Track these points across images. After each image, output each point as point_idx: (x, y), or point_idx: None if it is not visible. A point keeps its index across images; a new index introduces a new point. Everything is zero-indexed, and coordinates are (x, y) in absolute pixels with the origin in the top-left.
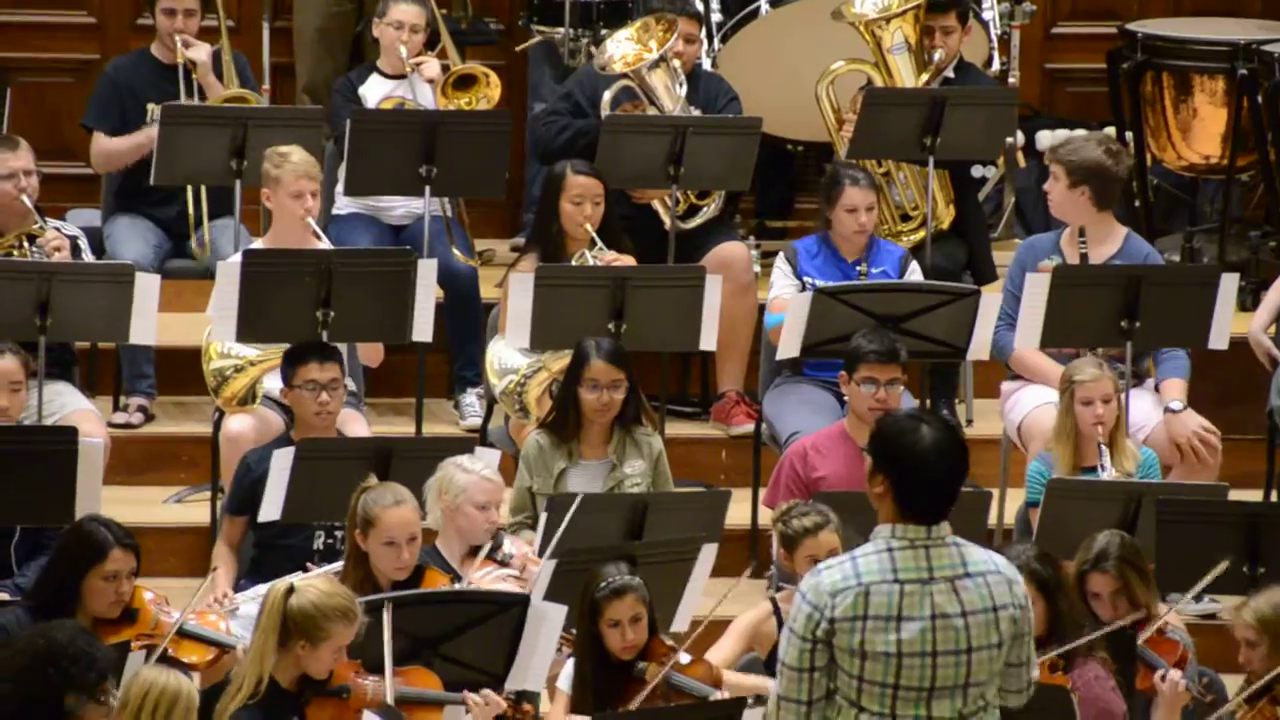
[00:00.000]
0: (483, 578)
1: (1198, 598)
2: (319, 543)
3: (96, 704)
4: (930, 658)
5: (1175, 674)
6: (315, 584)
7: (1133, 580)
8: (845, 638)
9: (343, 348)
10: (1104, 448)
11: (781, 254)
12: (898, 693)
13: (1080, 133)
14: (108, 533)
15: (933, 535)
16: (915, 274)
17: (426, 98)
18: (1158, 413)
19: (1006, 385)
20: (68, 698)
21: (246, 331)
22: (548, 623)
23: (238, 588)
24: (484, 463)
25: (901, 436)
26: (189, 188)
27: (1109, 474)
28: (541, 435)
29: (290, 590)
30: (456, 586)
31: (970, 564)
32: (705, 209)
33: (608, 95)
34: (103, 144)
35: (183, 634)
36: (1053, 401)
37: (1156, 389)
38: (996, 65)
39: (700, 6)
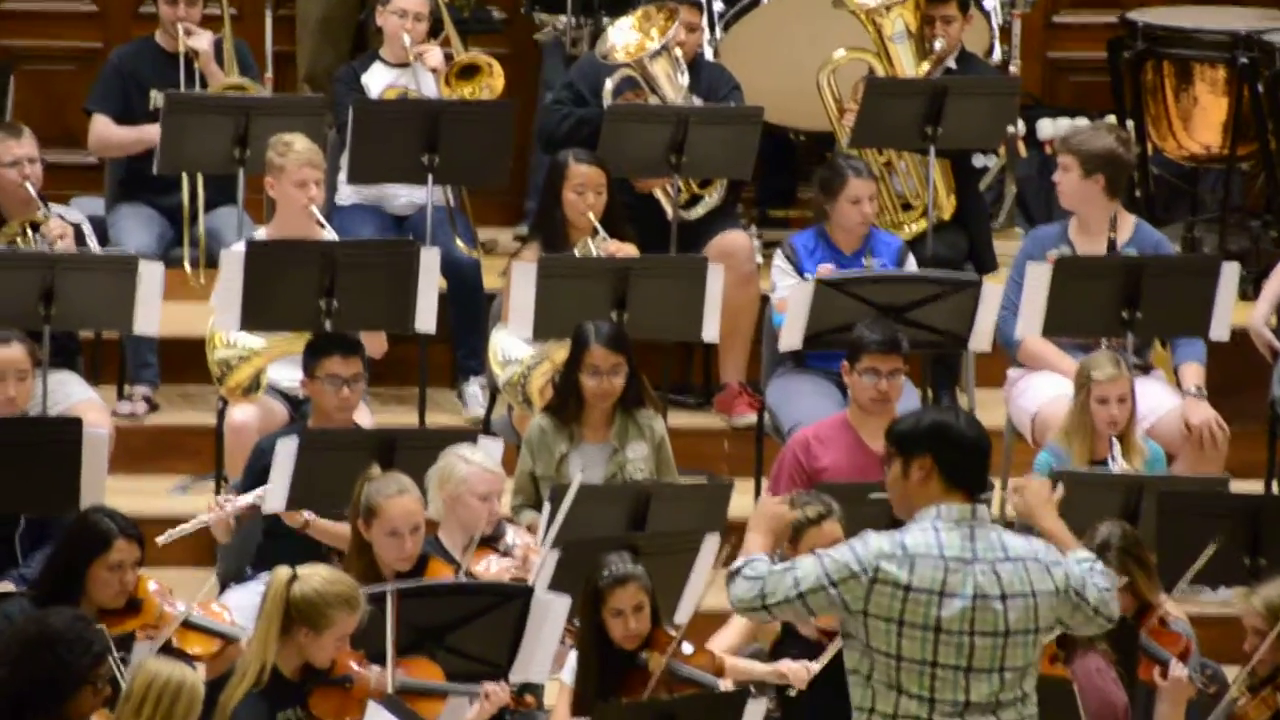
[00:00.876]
0: (485, 568)
1: (1214, 588)
2: None
3: (93, 689)
4: (969, 636)
5: (1179, 667)
6: (319, 572)
7: (1134, 571)
8: (885, 601)
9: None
10: (1115, 442)
11: (779, 252)
12: (936, 671)
13: (1083, 122)
14: (112, 523)
15: (977, 516)
16: (911, 265)
17: (429, 87)
18: (1161, 403)
19: (1013, 372)
20: (64, 682)
21: (250, 321)
22: (551, 614)
23: (243, 578)
24: (485, 453)
25: (938, 419)
26: (191, 176)
27: (1119, 467)
28: (544, 419)
29: (293, 578)
30: (459, 577)
31: (1010, 549)
32: (707, 198)
33: (610, 84)
34: (101, 129)
35: (188, 626)
36: (1065, 395)
37: (1176, 371)
38: (998, 54)
39: None
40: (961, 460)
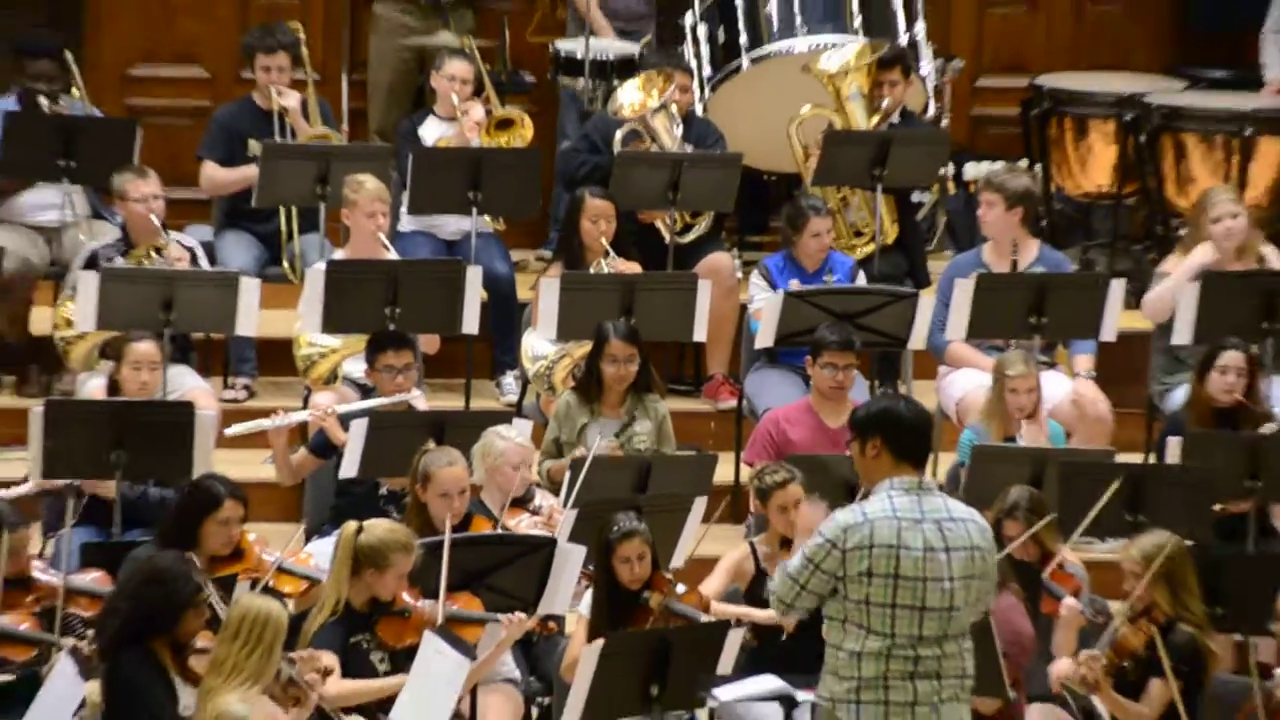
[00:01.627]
0: (518, 524)
1: (1102, 539)
2: (384, 489)
3: (195, 610)
4: (922, 582)
5: (1072, 601)
6: (380, 524)
7: (1039, 527)
8: (856, 563)
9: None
10: (1023, 423)
11: (756, 271)
12: (896, 612)
13: (1000, 164)
14: (221, 487)
15: (923, 485)
16: (862, 280)
17: (473, 137)
18: (1061, 392)
19: (942, 369)
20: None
21: (329, 324)
22: (571, 560)
23: (321, 533)
24: (518, 431)
25: (885, 406)
26: (283, 208)
27: (1026, 442)
28: (570, 395)
29: (360, 529)
30: (498, 531)
31: (953, 511)
32: (697, 226)
33: (619, 135)
34: (210, 172)
35: (280, 570)
36: (983, 385)
37: (1071, 362)
38: (932, 111)
39: (693, 63)
40: (906, 439)
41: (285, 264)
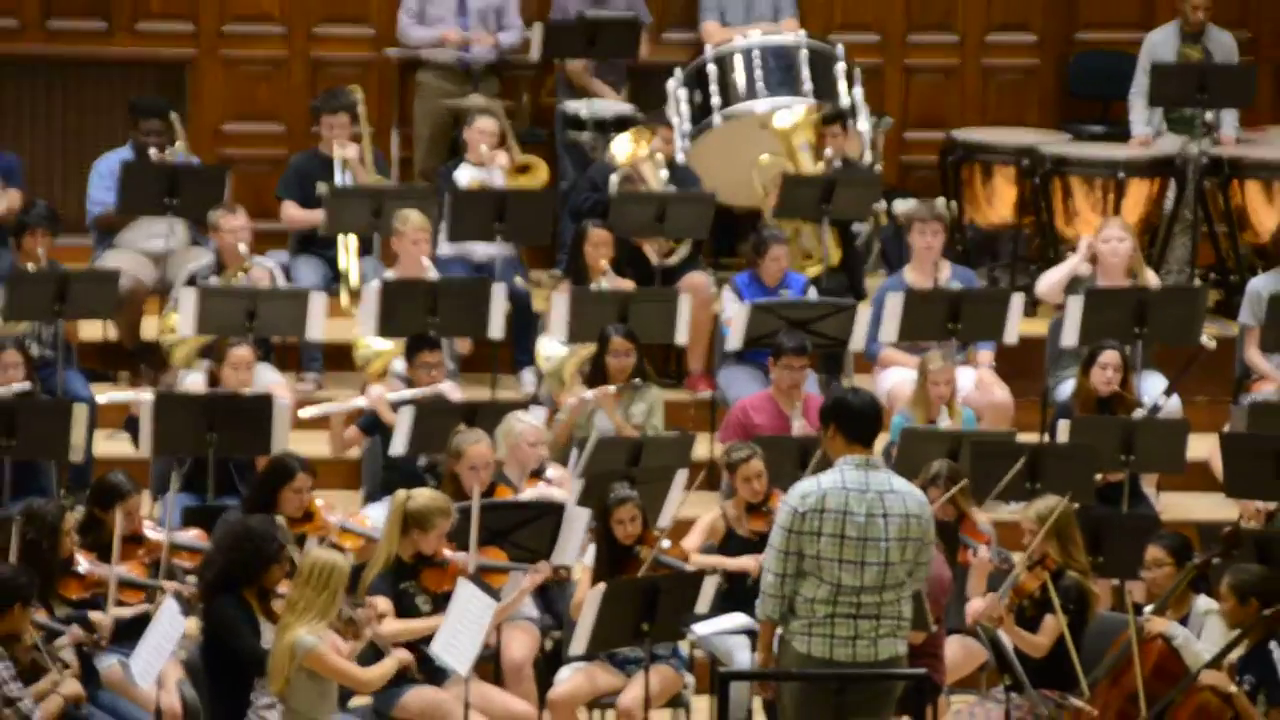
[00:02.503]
0: (534, 492)
1: (1007, 502)
2: (422, 461)
3: (279, 564)
4: (863, 542)
5: (983, 550)
6: (424, 492)
7: (955, 492)
8: (810, 523)
9: (445, 341)
10: (944, 409)
11: (727, 286)
12: (842, 565)
13: (921, 200)
14: (295, 461)
15: (871, 463)
16: (812, 294)
17: (498, 180)
18: (972, 383)
19: (877, 367)
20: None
21: (382, 331)
22: (578, 521)
23: (376, 499)
24: (534, 416)
25: (837, 397)
26: (344, 237)
27: (945, 425)
28: (581, 388)
29: (408, 497)
30: (519, 497)
31: (894, 485)
32: (679, 251)
33: (614, 177)
34: (288, 210)
35: (343, 530)
36: (908, 379)
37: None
38: (868, 158)
39: (675, 120)
40: (853, 424)
41: (346, 283)
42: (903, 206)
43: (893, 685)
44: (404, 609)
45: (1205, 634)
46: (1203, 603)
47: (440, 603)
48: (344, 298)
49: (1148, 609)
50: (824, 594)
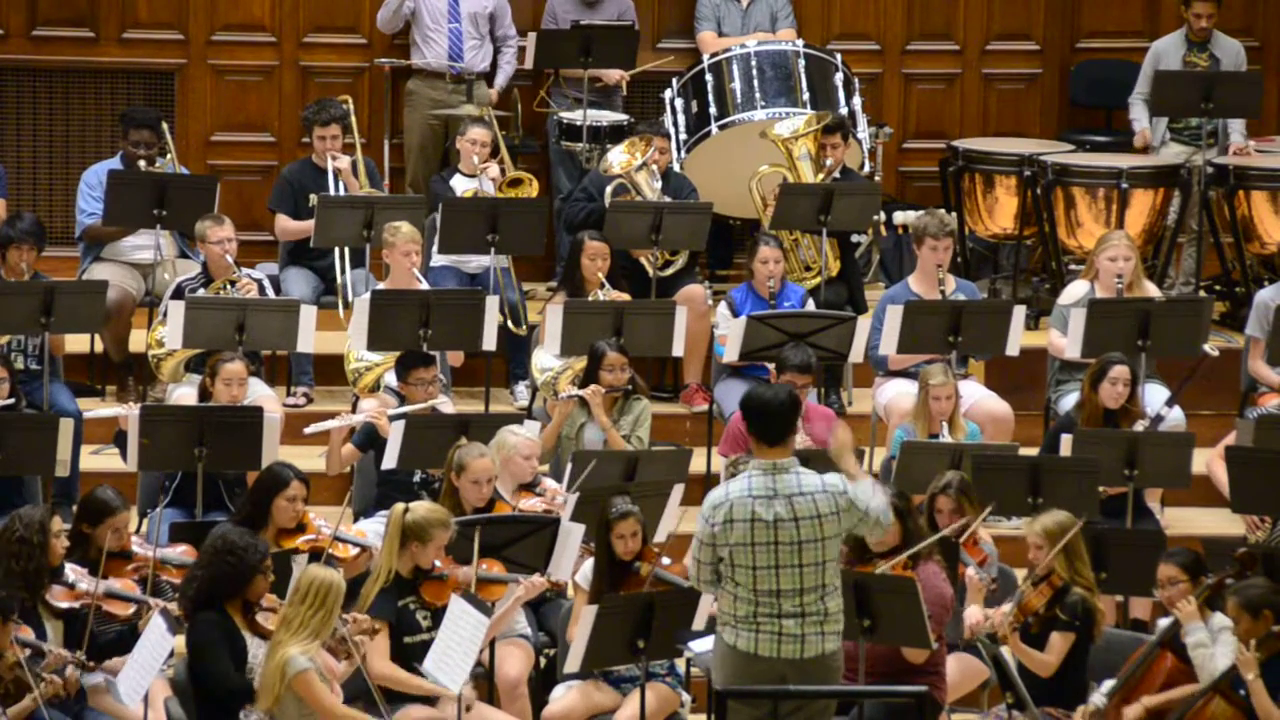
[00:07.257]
0: (528, 506)
1: (1009, 518)
2: (417, 477)
3: (262, 575)
4: (774, 546)
5: (972, 570)
6: (422, 505)
7: (963, 502)
8: (724, 535)
9: (437, 354)
10: (945, 423)
11: (723, 303)
12: (756, 571)
13: (923, 211)
14: (289, 471)
15: (779, 466)
16: (810, 306)
17: (490, 190)
18: (973, 396)
19: (878, 380)
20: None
21: (374, 344)
22: (572, 536)
23: (369, 513)
24: (528, 429)
25: (750, 397)
26: (335, 249)
27: (947, 439)
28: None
29: (406, 510)
30: (513, 512)
31: (803, 487)
32: (675, 262)
33: (609, 188)
34: (281, 222)
35: (337, 539)
36: (906, 392)
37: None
38: (867, 168)
39: (670, 129)
40: (758, 421)
41: (338, 294)
42: (903, 217)
43: (832, 678)
44: (404, 626)
45: (1220, 651)
46: (1218, 620)
47: (439, 616)
48: (342, 310)
49: (1162, 621)
50: (744, 595)
